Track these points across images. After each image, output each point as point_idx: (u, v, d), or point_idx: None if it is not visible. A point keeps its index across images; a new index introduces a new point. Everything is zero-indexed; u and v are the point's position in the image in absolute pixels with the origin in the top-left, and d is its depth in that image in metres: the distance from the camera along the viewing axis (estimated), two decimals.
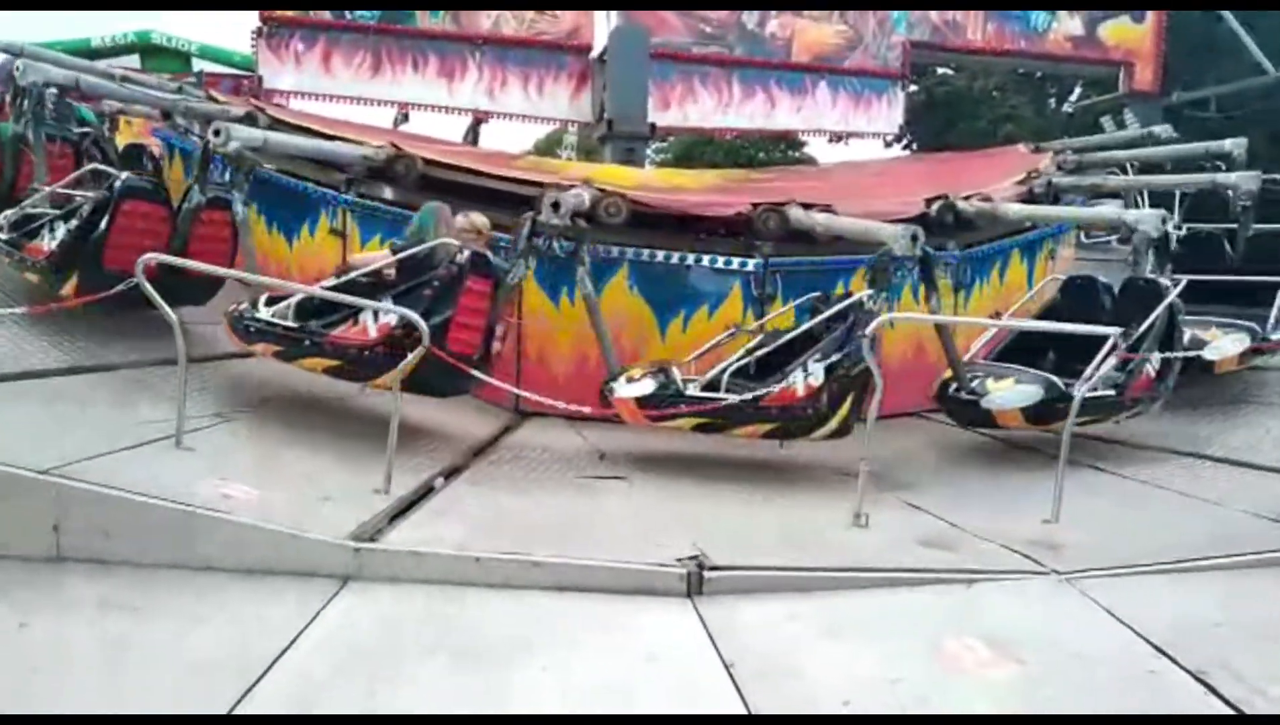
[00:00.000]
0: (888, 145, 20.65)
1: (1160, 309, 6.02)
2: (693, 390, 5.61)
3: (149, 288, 4.74)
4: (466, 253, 5.50)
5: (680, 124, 14.80)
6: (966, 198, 7.49)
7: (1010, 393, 5.79)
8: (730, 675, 3.32)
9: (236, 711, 2.97)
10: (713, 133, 16.64)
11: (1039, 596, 4.00)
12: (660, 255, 7.02)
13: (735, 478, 5.67)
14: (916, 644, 3.56)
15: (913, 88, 19.61)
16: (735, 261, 7.03)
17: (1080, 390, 5.25)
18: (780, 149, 27.83)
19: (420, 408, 5.86)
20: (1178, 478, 5.62)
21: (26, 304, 5.66)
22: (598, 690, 3.22)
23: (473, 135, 13.79)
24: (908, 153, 22.27)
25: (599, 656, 3.44)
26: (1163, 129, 10.78)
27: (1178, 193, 10.79)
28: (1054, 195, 9.11)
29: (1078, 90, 22.65)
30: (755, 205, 7.04)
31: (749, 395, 5.48)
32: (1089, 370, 5.51)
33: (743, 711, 3.11)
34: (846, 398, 5.52)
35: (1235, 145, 9.20)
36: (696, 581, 3.94)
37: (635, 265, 7.02)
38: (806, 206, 6.89)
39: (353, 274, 5.59)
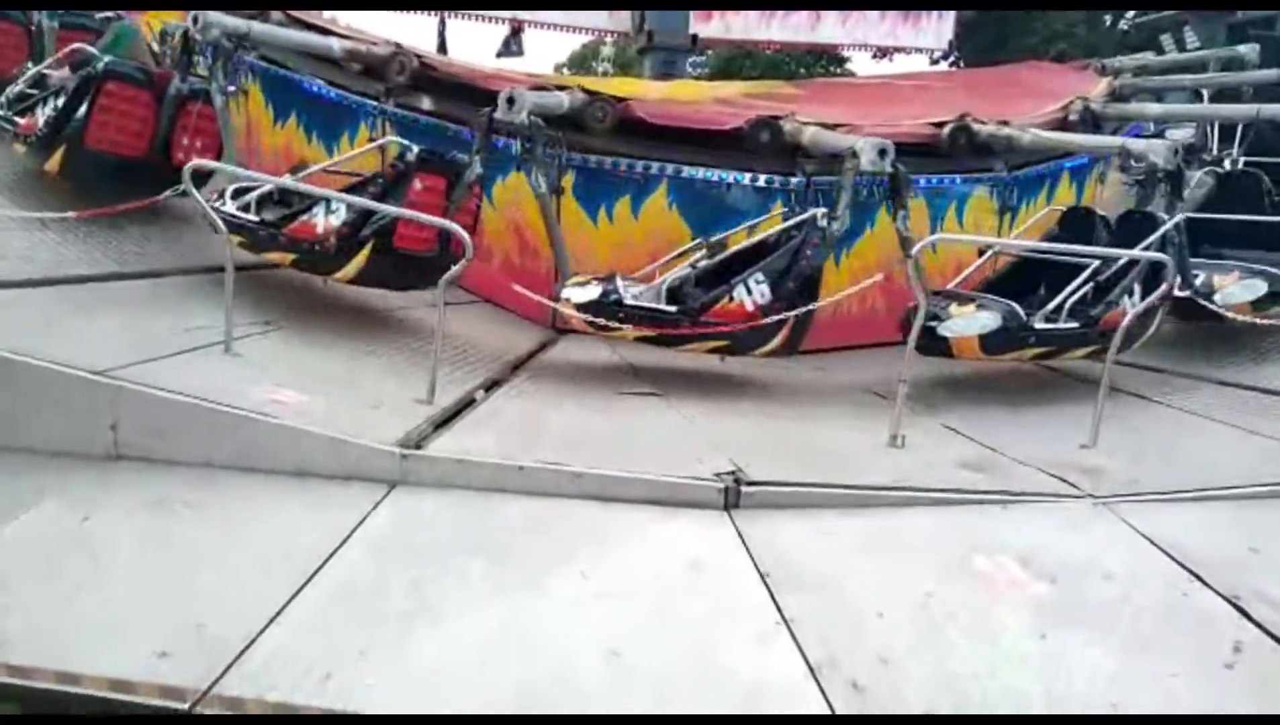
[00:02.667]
0: (934, 62, 19.93)
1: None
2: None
3: (199, 197, 4.79)
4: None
5: (722, 35, 14.38)
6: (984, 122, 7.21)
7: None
8: (766, 585, 3.41)
9: (295, 602, 3.11)
10: (755, 45, 16.19)
11: (1074, 519, 4.03)
12: (700, 173, 6.91)
13: (770, 396, 5.70)
14: (950, 562, 3.62)
15: None
16: (777, 180, 6.90)
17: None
18: (822, 64, 27.06)
19: (462, 322, 5.93)
20: (1218, 406, 5.56)
21: (67, 210, 5.73)
22: (635, 595, 3.32)
23: (515, 45, 13.52)
24: (954, 70, 21.52)
25: (637, 564, 3.54)
26: (1249, 49, 9.98)
27: (1240, 126, 10.28)
28: (1093, 121, 8.76)
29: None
30: (754, 119, 6.84)
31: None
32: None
33: (776, 619, 3.20)
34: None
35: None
36: (734, 495, 4.01)
37: (674, 182, 6.93)
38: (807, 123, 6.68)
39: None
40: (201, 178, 5.79)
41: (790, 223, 5.75)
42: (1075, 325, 5.48)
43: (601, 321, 5.49)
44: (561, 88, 6.82)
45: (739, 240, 6.08)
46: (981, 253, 6.38)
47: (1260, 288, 6.16)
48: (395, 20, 12.27)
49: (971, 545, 3.73)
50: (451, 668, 2.87)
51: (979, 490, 4.21)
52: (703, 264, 5.79)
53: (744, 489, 4.03)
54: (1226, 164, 7.72)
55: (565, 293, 5.70)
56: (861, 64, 28.43)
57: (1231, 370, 6.22)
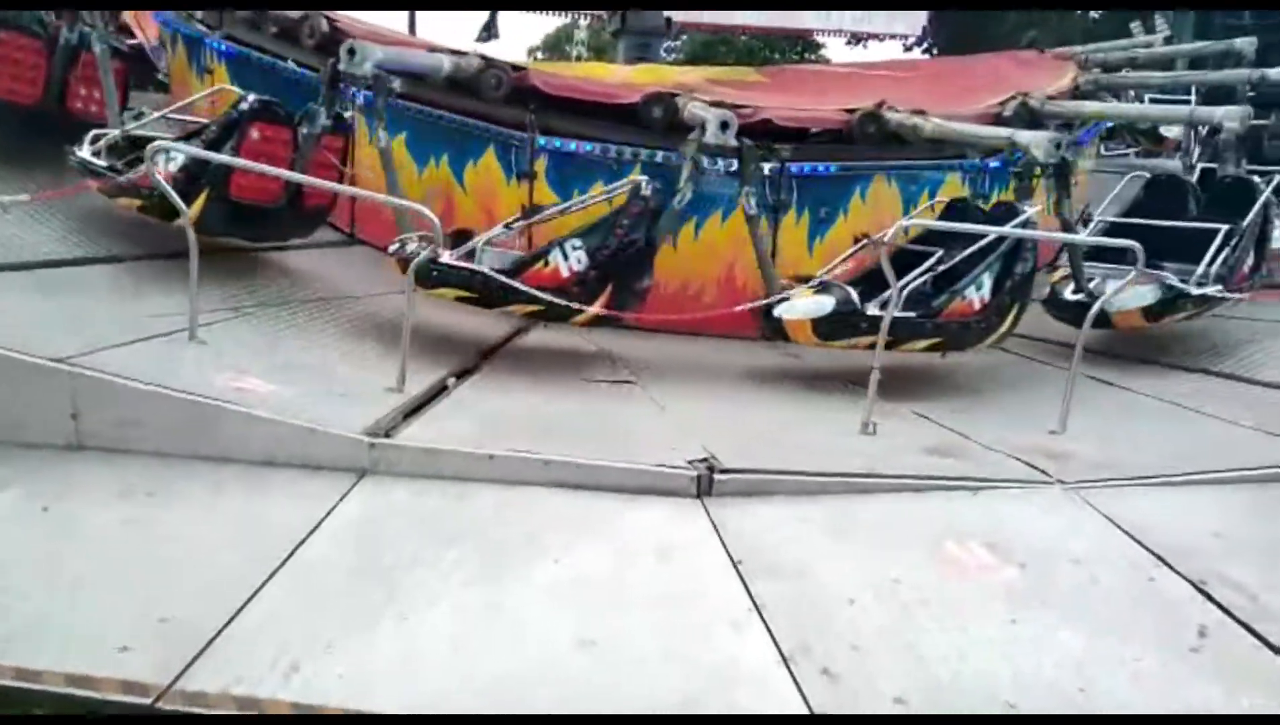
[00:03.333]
0: (908, 48, 19.98)
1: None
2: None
3: (161, 181, 4.69)
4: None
5: (697, 20, 14.33)
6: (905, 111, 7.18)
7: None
8: (738, 572, 3.41)
9: (261, 593, 3.07)
10: (730, 30, 16.14)
11: (1043, 505, 4.06)
12: (674, 158, 6.86)
13: (744, 384, 5.70)
14: (920, 547, 3.64)
15: None
16: (660, 155, 6.84)
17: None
18: (797, 51, 27.05)
19: (433, 309, 5.85)
20: (1185, 393, 5.64)
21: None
22: (608, 583, 3.31)
23: (493, 28, 13.38)
24: (926, 58, 21.60)
25: (610, 552, 3.52)
26: (1247, 42, 9.83)
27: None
28: (1031, 119, 8.65)
29: None
30: (650, 95, 6.81)
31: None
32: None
33: (748, 606, 3.20)
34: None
35: (1247, 44, 8.85)
36: (707, 483, 4.01)
37: (647, 168, 6.88)
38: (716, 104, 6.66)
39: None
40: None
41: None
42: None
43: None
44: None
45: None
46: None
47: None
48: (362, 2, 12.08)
49: (942, 531, 3.76)
50: (422, 658, 2.84)
51: (949, 476, 4.23)
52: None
53: (717, 476, 4.02)
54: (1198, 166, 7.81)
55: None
56: (836, 49, 28.52)
57: (1197, 357, 6.31)
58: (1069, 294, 6.07)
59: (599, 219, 5.64)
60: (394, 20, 11.91)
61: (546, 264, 5.37)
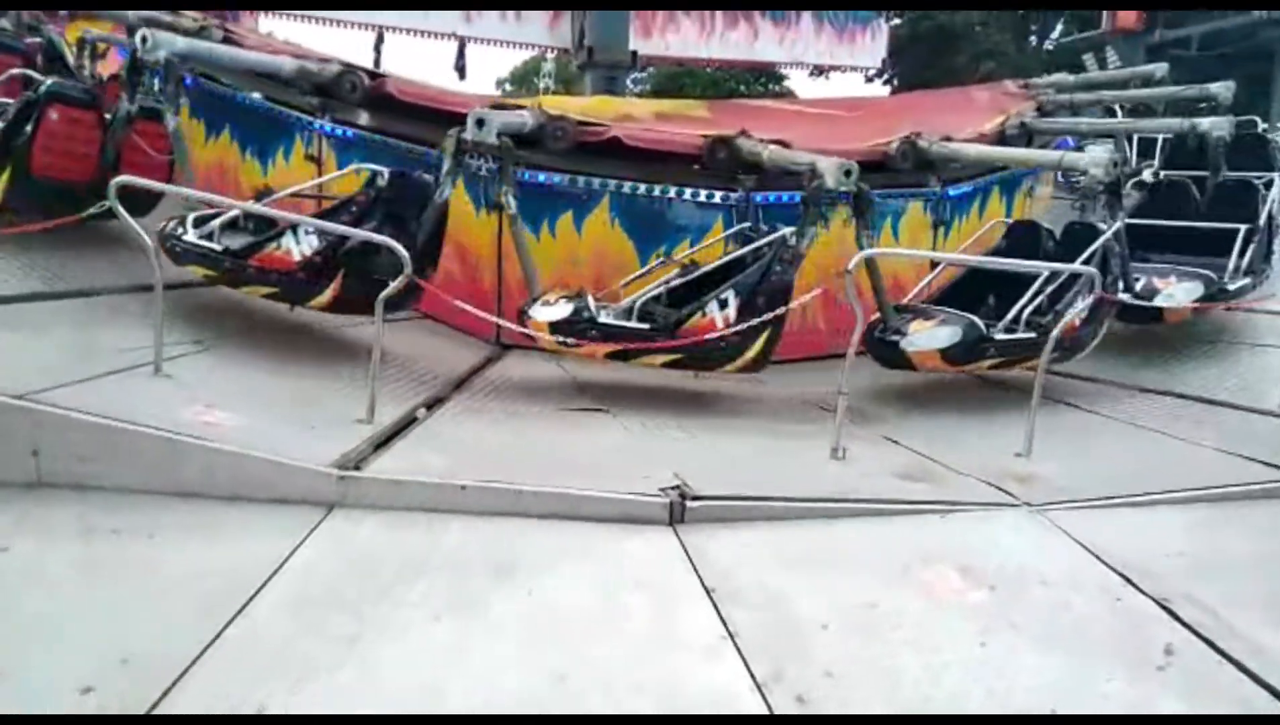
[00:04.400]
0: (869, 80, 20.37)
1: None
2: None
3: (123, 212, 4.63)
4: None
5: (662, 53, 14.53)
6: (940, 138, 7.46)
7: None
8: (712, 600, 3.41)
9: (227, 631, 3.01)
10: (694, 63, 16.38)
11: (1010, 527, 4.11)
12: (642, 188, 6.94)
13: (715, 410, 5.73)
14: (891, 571, 3.66)
15: (896, 21, 19.33)
16: (718, 195, 6.97)
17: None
18: (761, 82, 27.51)
19: (402, 339, 5.84)
20: (1148, 414, 5.76)
21: None
22: (581, 614, 3.29)
23: (461, 63, 13.45)
24: (888, 89, 22.06)
25: (583, 582, 3.50)
26: (1158, 67, 10.50)
27: (1160, 137, 10.73)
28: (1028, 137, 9.07)
29: (1059, 27, 22.43)
30: (706, 136, 6.95)
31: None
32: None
33: (722, 634, 3.20)
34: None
35: (1223, 88, 9.21)
36: (679, 510, 4.01)
37: (616, 197, 6.94)
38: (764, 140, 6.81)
39: None
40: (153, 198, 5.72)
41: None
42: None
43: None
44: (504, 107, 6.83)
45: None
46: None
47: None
48: (329, 36, 12.15)
49: (912, 555, 3.79)
50: (393, 694, 2.80)
51: (918, 500, 4.28)
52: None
53: (689, 504, 4.03)
54: (1147, 175, 8.07)
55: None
56: (799, 82, 29.03)
57: (1160, 378, 6.45)
58: (878, 332, 6.10)
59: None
60: (361, 56, 11.93)
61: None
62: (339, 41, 12.14)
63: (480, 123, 5.80)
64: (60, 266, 5.73)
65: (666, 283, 5.88)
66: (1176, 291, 6.44)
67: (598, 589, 3.46)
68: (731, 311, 5.45)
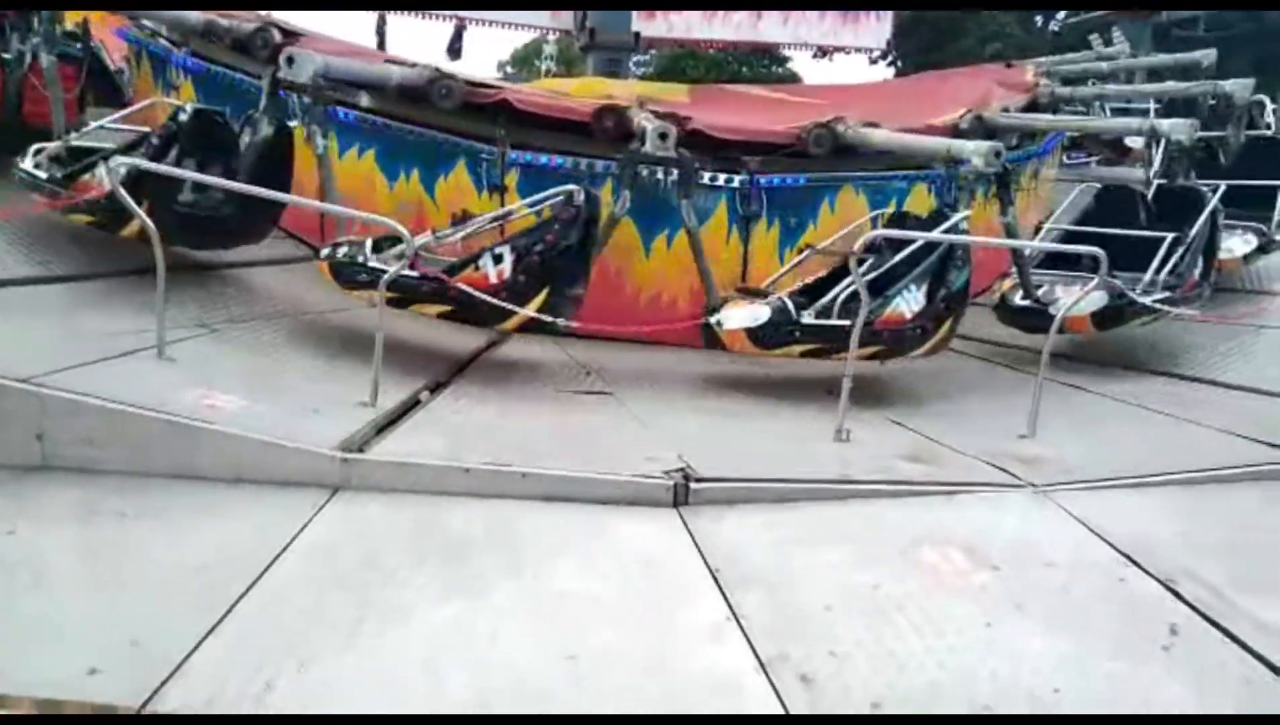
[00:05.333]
0: (873, 62, 20.24)
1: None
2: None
3: (125, 196, 4.62)
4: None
5: (664, 34, 14.42)
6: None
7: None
8: (716, 581, 3.41)
9: (234, 612, 3.02)
10: (697, 44, 16.27)
11: (1015, 508, 4.11)
12: (644, 171, 6.89)
13: (719, 393, 5.72)
14: (896, 553, 3.67)
15: None
16: (721, 177, 6.93)
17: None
18: (764, 64, 27.33)
19: (405, 323, 5.82)
20: (1153, 396, 5.74)
21: None
22: (585, 595, 3.30)
23: (457, 45, 13.36)
24: (892, 71, 21.91)
25: (587, 564, 3.51)
26: (1205, 55, 9.78)
27: (1154, 101, 10.71)
28: (1056, 106, 9.08)
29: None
30: (599, 107, 6.90)
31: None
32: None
33: (726, 615, 3.21)
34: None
35: (1205, 55, 9.22)
36: (683, 492, 4.01)
37: (618, 181, 6.89)
38: (868, 124, 6.85)
39: None
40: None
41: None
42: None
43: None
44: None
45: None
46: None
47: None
48: (331, 18, 12.04)
49: (916, 536, 3.79)
50: (400, 675, 2.81)
51: (922, 482, 4.28)
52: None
53: (693, 486, 4.03)
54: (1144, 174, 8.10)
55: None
56: (802, 63, 28.84)
57: (1162, 360, 6.43)
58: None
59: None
60: (364, 37, 11.88)
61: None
62: (342, 23, 12.04)
63: (290, 60, 5.74)
64: (57, 251, 5.72)
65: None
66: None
67: (602, 571, 3.46)
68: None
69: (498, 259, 5.27)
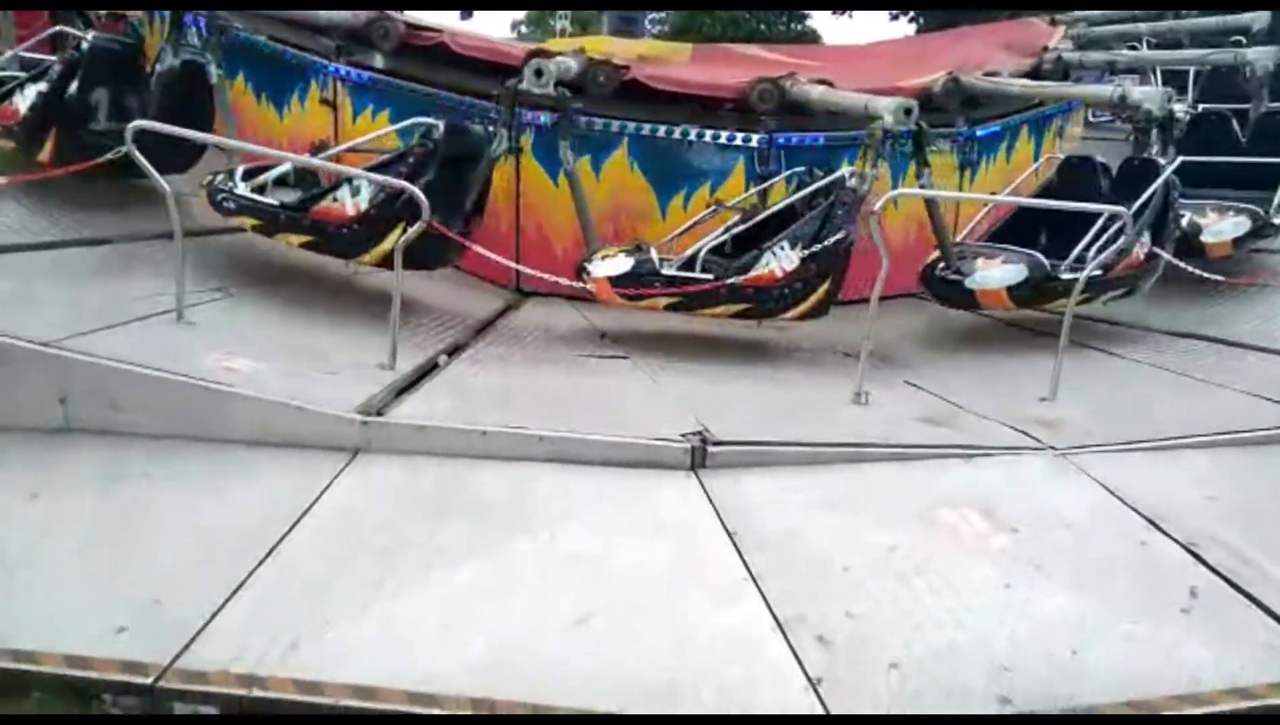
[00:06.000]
0: (894, 18, 19.85)
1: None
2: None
3: (140, 157, 4.61)
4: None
5: None
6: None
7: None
8: (733, 543, 3.42)
9: (258, 573, 3.07)
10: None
11: (1035, 471, 4.09)
12: (661, 130, 6.81)
13: (736, 356, 5.70)
14: (914, 515, 3.66)
15: None
16: (739, 137, 6.83)
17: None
18: (783, 21, 26.85)
19: (422, 286, 5.82)
20: (1176, 358, 5.67)
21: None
22: (603, 557, 3.32)
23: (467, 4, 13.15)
24: (914, 27, 21.48)
25: (605, 526, 3.53)
26: (1256, 18, 9.62)
27: (1191, 71, 10.30)
28: (1064, 71, 8.78)
29: None
30: (757, 79, 6.80)
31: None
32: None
33: (744, 576, 3.22)
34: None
35: (1255, 18, 8.81)
36: (700, 455, 4.01)
37: (635, 141, 6.83)
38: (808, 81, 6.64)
39: None
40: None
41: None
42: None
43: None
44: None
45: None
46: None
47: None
48: None
49: (935, 499, 3.78)
50: (420, 635, 2.84)
51: (941, 444, 4.25)
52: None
53: (710, 449, 4.03)
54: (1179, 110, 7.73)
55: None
56: (822, 21, 28.32)
57: (1188, 322, 6.33)
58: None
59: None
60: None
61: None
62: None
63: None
64: (75, 214, 5.73)
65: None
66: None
67: (619, 533, 3.48)
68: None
69: (355, 191, 5.19)
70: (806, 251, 5.35)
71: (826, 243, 5.37)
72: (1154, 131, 6.22)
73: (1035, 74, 8.26)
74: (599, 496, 3.75)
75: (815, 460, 4.10)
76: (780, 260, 5.36)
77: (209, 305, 4.98)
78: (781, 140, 6.81)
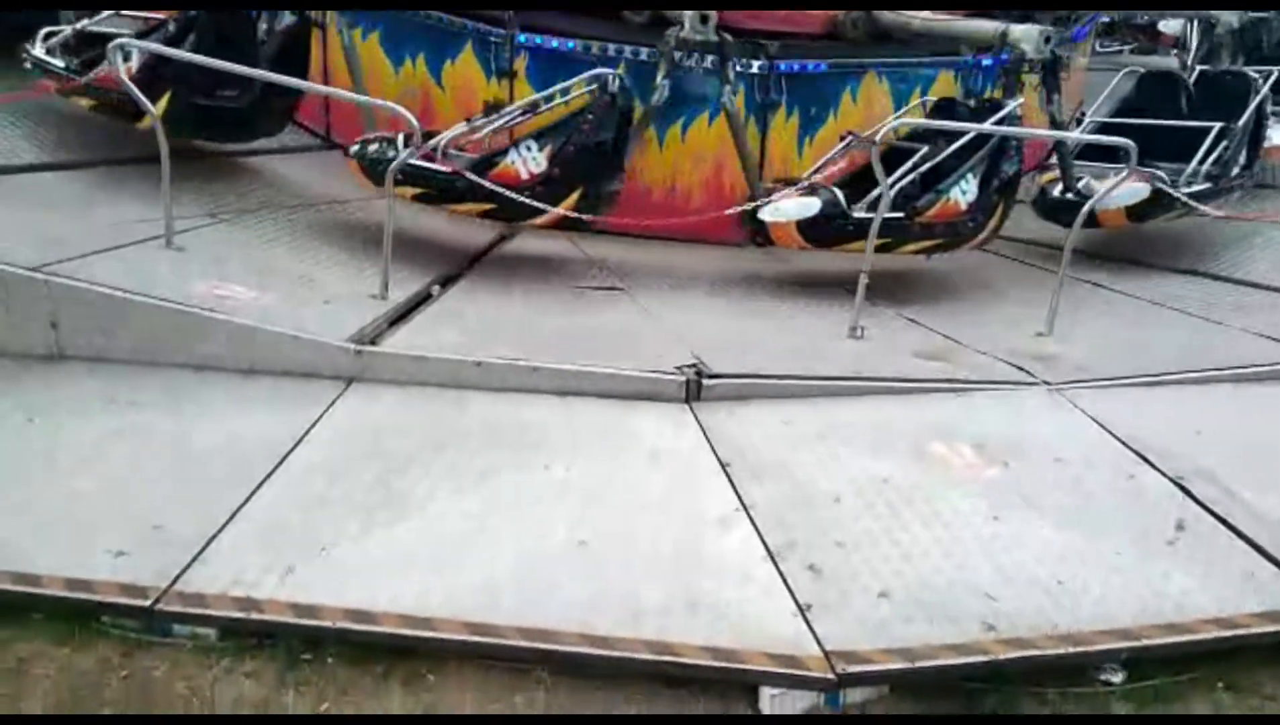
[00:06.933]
0: None
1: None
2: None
3: (129, 83, 4.51)
4: None
5: None
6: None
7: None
8: (727, 474, 3.45)
9: (254, 498, 3.09)
10: None
11: (1028, 406, 4.11)
12: (644, 54, 6.60)
13: (733, 289, 5.66)
14: (906, 448, 3.68)
15: None
16: (739, 65, 6.65)
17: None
18: None
19: (414, 216, 5.74)
20: (1175, 295, 5.64)
21: None
22: (598, 486, 3.35)
23: None
24: None
25: (601, 456, 3.55)
26: None
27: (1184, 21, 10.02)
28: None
29: None
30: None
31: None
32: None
33: (736, 506, 3.25)
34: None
35: None
36: (695, 388, 4.01)
37: (630, 65, 6.64)
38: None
39: None
40: None
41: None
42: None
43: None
44: None
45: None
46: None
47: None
48: None
49: (927, 432, 3.80)
50: (417, 560, 2.88)
51: (936, 379, 4.26)
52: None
53: (705, 382, 4.03)
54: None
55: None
56: None
57: (1185, 258, 6.30)
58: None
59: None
60: None
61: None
62: None
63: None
64: (62, 137, 5.62)
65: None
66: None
67: (615, 463, 3.50)
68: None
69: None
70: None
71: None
72: (1037, 74, 6.01)
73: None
74: (594, 427, 3.76)
75: (810, 393, 4.11)
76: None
77: (198, 231, 4.91)
78: (783, 67, 6.64)
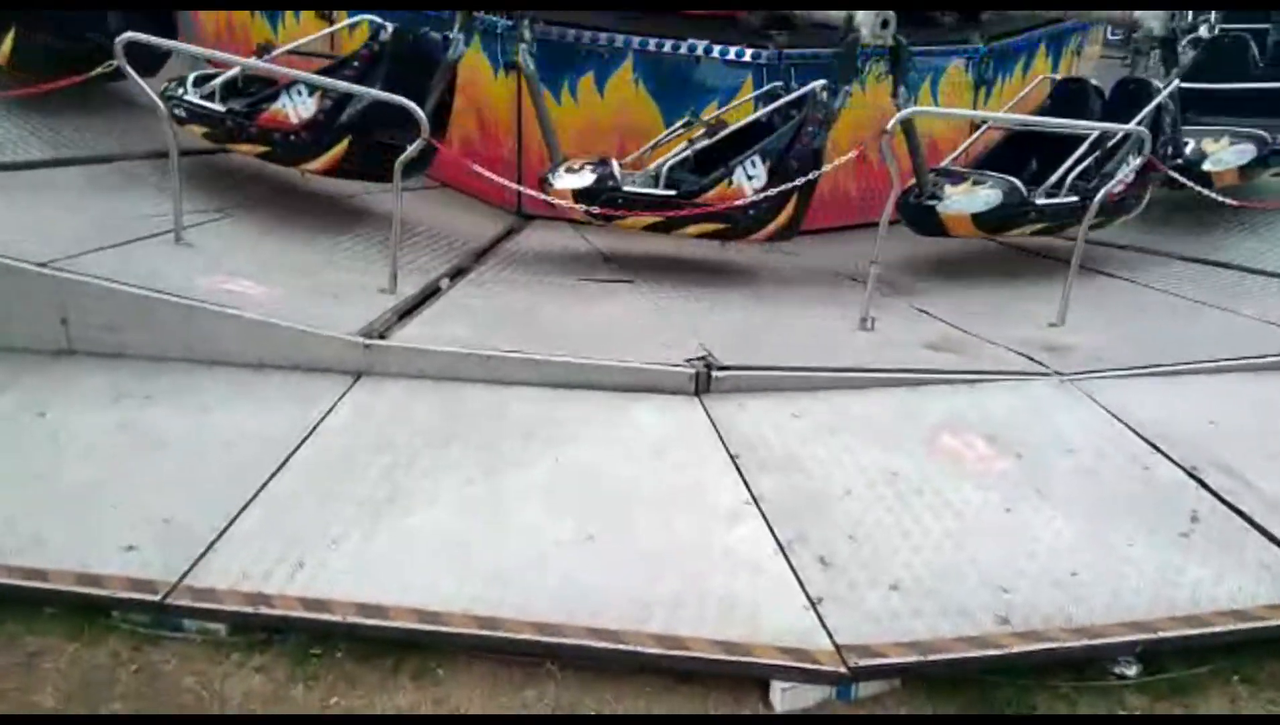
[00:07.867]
0: None
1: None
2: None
3: (134, 74, 4.51)
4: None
5: None
6: None
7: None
8: (736, 466, 3.43)
9: (263, 493, 3.09)
10: None
11: (1040, 396, 4.07)
12: (667, 45, 6.60)
13: (742, 281, 5.64)
14: (917, 440, 3.66)
15: None
16: (748, 53, 6.62)
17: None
18: None
19: (423, 208, 5.75)
20: (1187, 284, 5.59)
21: None
22: (607, 479, 3.34)
23: None
24: None
25: (610, 450, 3.53)
26: None
27: None
28: None
29: None
30: None
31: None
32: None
33: (746, 499, 3.23)
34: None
35: None
36: (705, 380, 3.99)
37: (640, 56, 6.63)
38: None
39: None
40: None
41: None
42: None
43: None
44: None
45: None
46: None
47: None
48: None
49: (939, 423, 3.78)
50: (425, 554, 2.88)
51: (947, 370, 4.23)
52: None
53: (715, 374, 4.01)
54: (1203, 30, 7.43)
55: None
56: None
57: (1202, 247, 6.23)
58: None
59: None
60: None
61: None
62: None
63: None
64: (67, 132, 5.62)
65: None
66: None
67: (623, 456, 3.49)
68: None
69: (751, 169, 5.10)
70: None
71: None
72: (1155, 52, 5.95)
73: None
74: (603, 420, 3.75)
75: (820, 385, 4.08)
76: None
77: (207, 226, 4.91)
78: (792, 56, 6.60)
